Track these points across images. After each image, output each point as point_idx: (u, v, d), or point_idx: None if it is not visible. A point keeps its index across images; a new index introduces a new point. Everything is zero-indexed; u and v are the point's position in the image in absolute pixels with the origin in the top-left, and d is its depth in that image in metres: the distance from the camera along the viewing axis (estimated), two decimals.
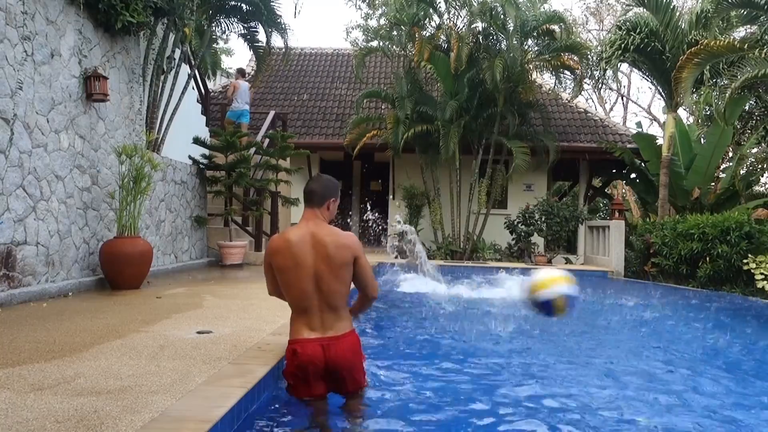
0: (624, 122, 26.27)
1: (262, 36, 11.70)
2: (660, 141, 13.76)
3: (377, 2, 16.55)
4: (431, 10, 13.68)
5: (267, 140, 11.45)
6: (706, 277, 9.59)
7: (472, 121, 13.23)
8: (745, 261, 9.12)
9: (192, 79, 10.51)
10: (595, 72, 14.70)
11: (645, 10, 12.46)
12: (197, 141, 9.79)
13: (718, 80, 12.98)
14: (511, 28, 12.80)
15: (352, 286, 3.07)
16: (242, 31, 11.75)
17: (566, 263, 13.17)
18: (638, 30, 12.36)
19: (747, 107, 14.86)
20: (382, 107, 15.59)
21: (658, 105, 31.56)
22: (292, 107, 16.34)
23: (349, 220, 16.65)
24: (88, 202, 6.65)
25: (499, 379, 3.91)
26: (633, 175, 15.66)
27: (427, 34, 13.54)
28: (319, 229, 2.96)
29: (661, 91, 13.44)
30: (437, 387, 3.64)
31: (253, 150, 10.40)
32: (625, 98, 28.03)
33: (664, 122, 15.72)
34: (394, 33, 14.04)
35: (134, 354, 3.49)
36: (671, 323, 6.53)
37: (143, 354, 3.49)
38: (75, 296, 5.90)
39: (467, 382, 3.79)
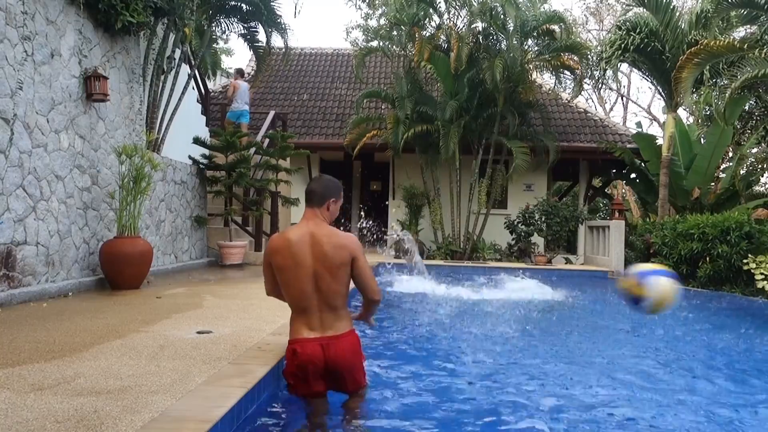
0: (624, 122, 26.28)
1: (262, 36, 11.72)
2: (660, 141, 13.77)
3: (377, 2, 16.55)
4: (431, 10, 13.69)
5: (267, 140, 11.45)
6: (706, 277, 9.58)
7: (472, 121, 13.23)
8: (745, 261, 9.11)
9: (192, 79, 10.51)
10: (595, 72, 14.70)
11: (645, 10, 12.46)
12: (197, 141, 9.79)
13: (718, 80, 12.99)
14: (511, 28, 12.81)
15: (353, 285, 3.06)
16: (242, 31, 11.76)
17: (566, 263, 13.18)
18: (638, 30, 12.36)
19: (747, 107, 14.85)
20: (382, 107, 15.59)
21: (658, 105, 31.58)
22: (292, 107, 16.33)
23: (348, 222, 16.65)
24: (88, 202, 6.65)
25: (499, 379, 3.90)
26: (633, 175, 15.66)
27: (427, 34, 13.54)
28: (318, 229, 2.95)
29: (661, 91, 13.44)
30: (437, 387, 3.64)
31: (253, 150, 10.41)
32: (625, 98, 28.07)
33: (664, 122, 15.72)
34: (394, 33, 14.04)
35: (134, 354, 3.49)
36: (671, 323, 6.53)
37: (143, 354, 3.49)
38: (75, 296, 5.90)
39: (467, 382, 3.79)
